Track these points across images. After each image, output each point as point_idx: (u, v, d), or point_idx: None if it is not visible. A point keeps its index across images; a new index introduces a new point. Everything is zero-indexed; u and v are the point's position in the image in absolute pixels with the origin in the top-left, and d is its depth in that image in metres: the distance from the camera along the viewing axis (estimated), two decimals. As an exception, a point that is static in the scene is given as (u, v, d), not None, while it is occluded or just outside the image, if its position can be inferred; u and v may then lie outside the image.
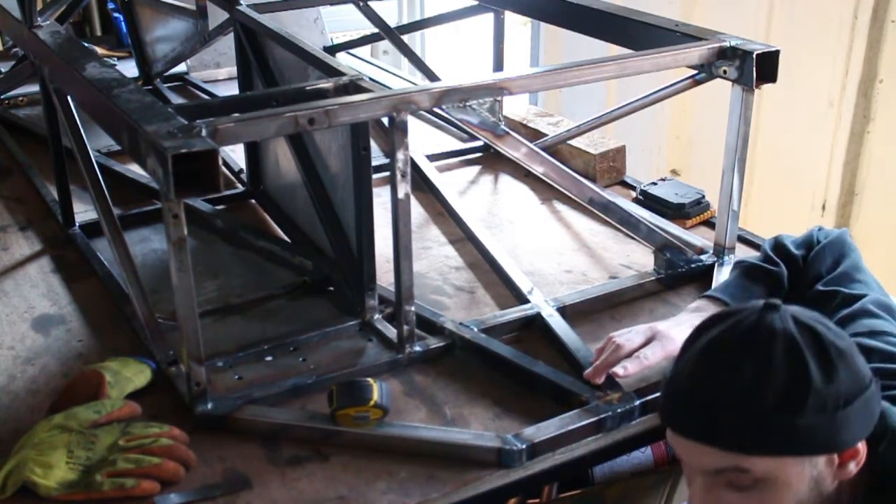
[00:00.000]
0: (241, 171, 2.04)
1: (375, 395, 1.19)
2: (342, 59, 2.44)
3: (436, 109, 2.26)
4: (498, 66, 2.20)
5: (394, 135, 1.26)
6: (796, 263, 1.39)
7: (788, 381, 0.91)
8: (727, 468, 0.94)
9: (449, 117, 2.28)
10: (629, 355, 1.27)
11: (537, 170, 2.02)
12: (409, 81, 2.77)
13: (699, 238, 1.71)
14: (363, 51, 3.18)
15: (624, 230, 1.79)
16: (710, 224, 1.81)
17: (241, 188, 1.98)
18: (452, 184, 2.00)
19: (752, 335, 0.93)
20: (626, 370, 1.24)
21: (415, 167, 1.93)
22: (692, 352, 0.97)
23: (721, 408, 0.92)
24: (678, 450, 0.99)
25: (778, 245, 1.42)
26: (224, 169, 2.03)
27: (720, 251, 1.61)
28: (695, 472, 0.98)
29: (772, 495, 0.94)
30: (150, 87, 2.64)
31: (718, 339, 0.96)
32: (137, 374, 1.30)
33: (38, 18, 1.72)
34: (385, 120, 1.28)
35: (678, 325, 1.30)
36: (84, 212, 1.83)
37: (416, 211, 1.88)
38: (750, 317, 0.95)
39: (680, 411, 0.96)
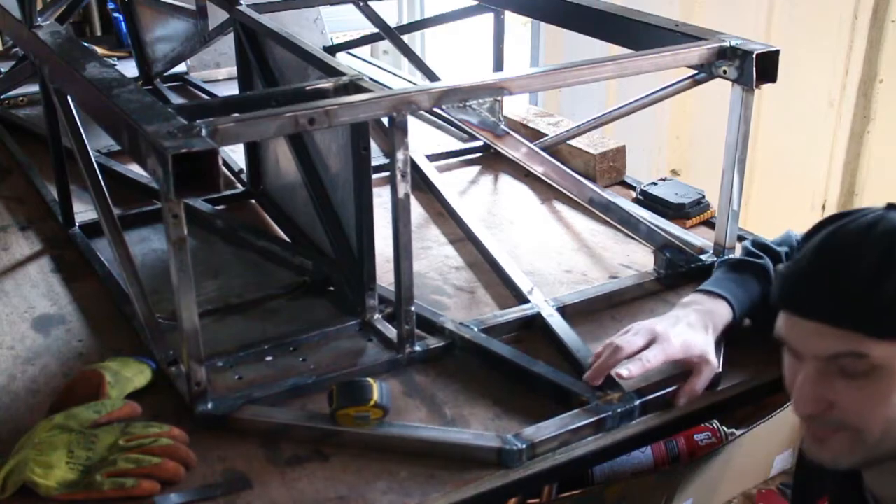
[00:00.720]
0: (241, 171, 2.04)
1: (375, 395, 1.19)
2: (342, 59, 2.44)
3: (436, 109, 2.26)
4: (498, 66, 2.20)
5: (394, 135, 1.26)
6: (779, 257, 1.41)
7: None
8: (844, 353, 0.92)
9: (449, 117, 2.28)
10: (630, 357, 1.26)
11: (537, 170, 2.02)
12: (409, 81, 2.77)
13: (699, 238, 1.71)
14: (363, 51, 3.18)
15: (624, 230, 1.79)
16: (710, 224, 1.81)
17: (241, 188, 1.98)
18: (452, 184, 2.00)
19: (876, 226, 0.93)
20: (629, 372, 1.24)
21: (415, 167, 1.93)
22: (814, 241, 0.97)
23: (845, 289, 0.91)
24: (792, 335, 0.97)
25: (757, 243, 1.46)
26: (224, 169, 2.03)
27: (720, 251, 1.61)
28: (804, 362, 0.96)
29: (885, 385, 0.91)
30: (150, 87, 2.63)
31: (841, 229, 0.95)
32: (137, 374, 1.30)
33: (38, 18, 1.72)
34: (385, 120, 1.28)
35: (676, 325, 1.29)
36: (84, 212, 1.83)
37: (416, 211, 1.88)
38: (872, 213, 0.95)
39: (803, 293, 0.95)
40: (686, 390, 1.27)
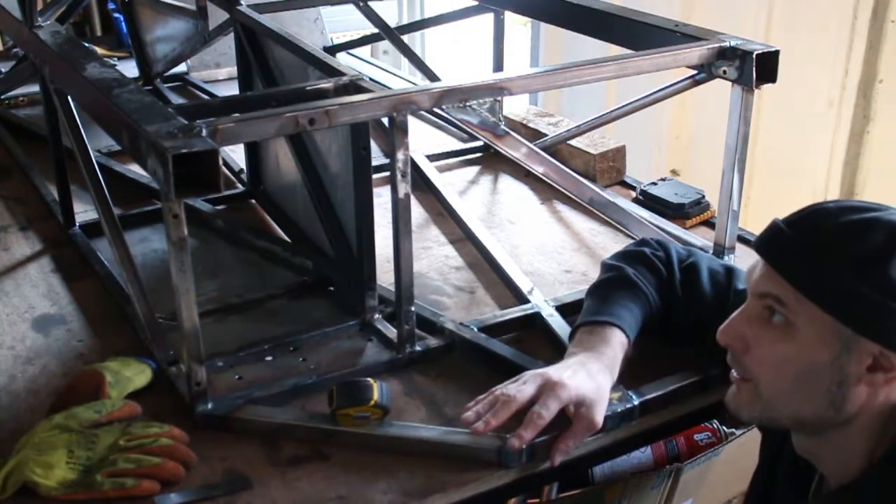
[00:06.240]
0: (241, 171, 2.04)
1: (376, 395, 1.19)
2: (342, 59, 2.44)
3: (436, 109, 2.26)
4: (498, 66, 2.20)
5: (394, 135, 1.26)
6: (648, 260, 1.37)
7: (872, 251, 0.92)
8: (772, 294, 0.96)
9: (449, 117, 2.28)
10: (521, 408, 1.15)
11: (537, 170, 2.02)
12: (409, 81, 2.77)
13: (699, 238, 1.71)
14: (363, 51, 3.19)
15: (624, 230, 1.79)
16: (710, 224, 1.81)
17: (241, 188, 1.98)
18: (452, 184, 2.00)
19: (860, 211, 0.95)
20: (521, 439, 1.13)
21: (415, 167, 1.93)
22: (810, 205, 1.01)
23: (801, 245, 0.95)
24: (749, 274, 1.01)
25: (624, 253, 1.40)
26: (224, 169, 2.03)
27: (720, 251, 1.61)
28: (748, 301, 1.01)
29: (791, 349, 0.95)
30: (150, 87, 2.63)
31: (832, 202, 1.00)
32: (138, 374, 1.30)
33: (39, 18, 1.72)
34: (385, 120, 1.28)
35: (567, 369, 1.19)
36: (84, 212, 1.83)
37: (416, 211, 1.88)
38: (869, 207, 0.97)
39: (774, 241, 0.99)
40: (560, 447, 1.17)
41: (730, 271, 1.34)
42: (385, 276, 1.49)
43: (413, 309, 1.36)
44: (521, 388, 1.17)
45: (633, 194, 1.94)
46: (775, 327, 0.97)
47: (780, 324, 0.96)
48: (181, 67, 2.72)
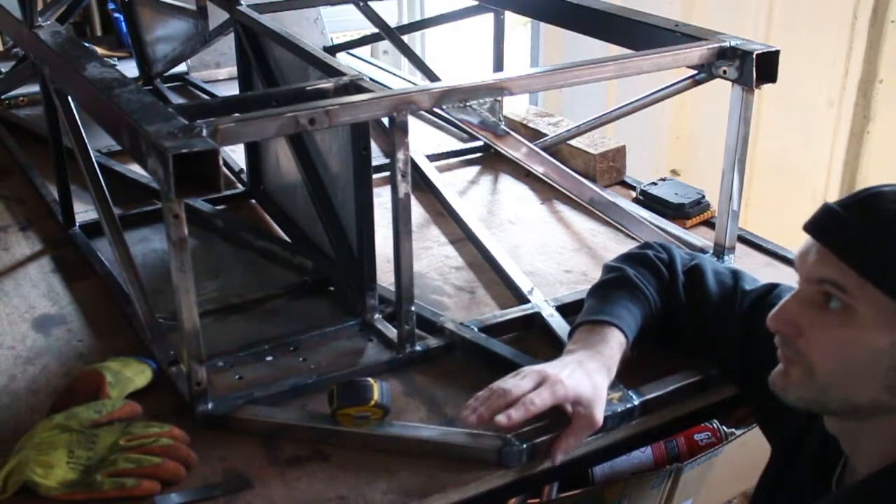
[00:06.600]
0: (241, 171, 2.04)
1: (376, 395, 1.19)
2: (342, 59, 2.44)
3: (436, 109, 2.27)
4: (498, 66, 2.20)
5: (394, 135, 1.26)
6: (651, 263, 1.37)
7: None
8: (830, 279, 0.94)
9: (449, 117, 2.28)
10: (516, 401, 1.14)
11: (537, 170, 2.02)
12: (409, 81, 2.77)
13: (699, 238, 1.71)
14: (363, 51, 3.19)
15: (624, 230, 1.79)
16: (710, 224, 1.81)
17: (241, 188, 1.98)
18: (452, 184, 2.00)
19: None
20: (509, 419, 1.12)
21: (415, 167, 1.93)
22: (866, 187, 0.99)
23: (860, 228, 0.93)
24: (801, 258, 0.99)
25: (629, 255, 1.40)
26: (224, 169, 2.03)
27: (720, 251, 1.61)
28: (800, 287, 0.99)
29: (849, 334, 0.93)
30: (151, 87, 2.64)
31: (889, 186, 0.97)
32: (138, 374, 1.30)
33: (39, 18, 1.72)
34: (385, 120, 1.28)
35: (564, 368, 1.18)
36: (84, 212, 1.83)
37: (416, 211, 1.88)
38: None
39: (829, 222, 0.96)
40: (561, 446, 1.17)
41: (735, 273, 1.33)
42: (385, 276, 1.49)
43: (413, 309, 1.36)
44: (518, 382, 1.17)
45: (633, 194, 1.94)
46: (833, 313, 0.94)
47: (837, 309, 0.94)
48: (181, 67, 2.72)
